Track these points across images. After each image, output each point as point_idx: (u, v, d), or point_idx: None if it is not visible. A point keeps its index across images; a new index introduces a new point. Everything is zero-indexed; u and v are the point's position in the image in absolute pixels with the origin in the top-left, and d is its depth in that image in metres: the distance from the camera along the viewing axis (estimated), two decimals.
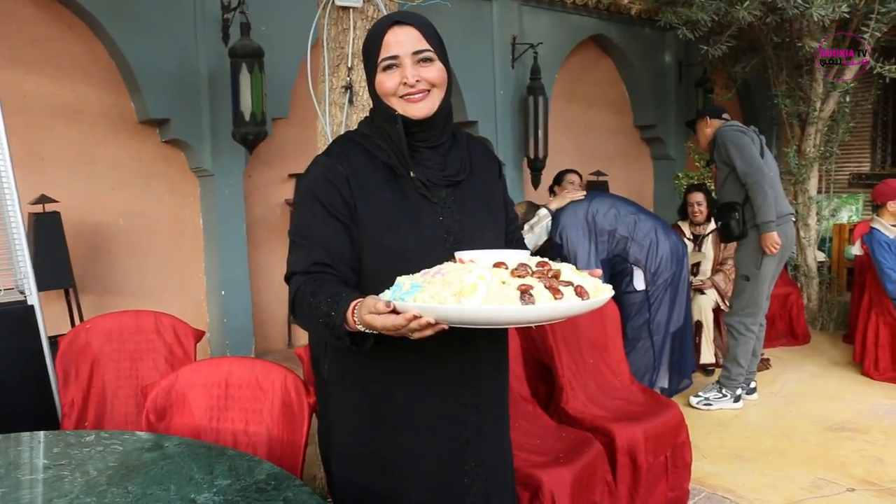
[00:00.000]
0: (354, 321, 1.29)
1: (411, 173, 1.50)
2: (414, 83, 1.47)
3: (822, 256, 6.52)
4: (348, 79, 2.80)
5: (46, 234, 4.13)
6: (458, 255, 1.32)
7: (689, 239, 5.13)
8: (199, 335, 2.78)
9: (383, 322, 1.23)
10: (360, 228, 1.49)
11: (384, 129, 1.53)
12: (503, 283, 1.18)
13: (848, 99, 6.13)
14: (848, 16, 5.17)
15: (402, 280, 1.31)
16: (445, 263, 1.31)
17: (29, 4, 4.45)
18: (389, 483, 1.56)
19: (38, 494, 1.55)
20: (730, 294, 5.05)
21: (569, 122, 7.41)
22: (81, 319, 4.25)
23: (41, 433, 1.96)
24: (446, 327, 1.21)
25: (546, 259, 1.31)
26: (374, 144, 1.54)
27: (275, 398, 2.11)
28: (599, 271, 1.34)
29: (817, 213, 6.34)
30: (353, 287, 1.46)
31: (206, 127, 4.90)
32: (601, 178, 7.37)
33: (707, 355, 4.90)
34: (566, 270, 1.26)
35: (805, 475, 3.34)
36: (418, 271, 1.35)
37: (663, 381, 4.20)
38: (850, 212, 7.65)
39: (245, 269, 5.19)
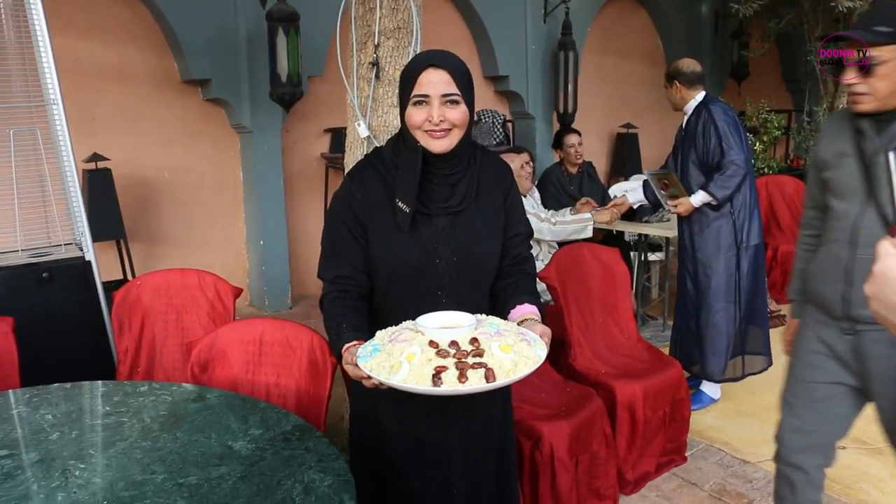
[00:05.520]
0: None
1: (406, 208, 1.65)
2: (438, 122, 1.61)
3: None
4: (375, 55, 2.95)
5: (99, 189, 4.42)
6: (418, 320, 1.49)
7: None
8: (237, 292, 2.99)
9: (352, 373, 1.49)
10: (369, 247, 1.72)
11: (405, 154, 1.68)
12: (429, 360, 1.37)
13: None
14: None
15: (378, 334, 1.53)
16: (406, 326, 1.52)
17: None
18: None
19: (104, 437, 1.81)
20: None
21: (601, 74, 7.41)
22: (132, 267, 4.58)
23: (101, 383, 2.22)
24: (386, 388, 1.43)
25: (482, 333, 1.46)
26: (390, 171, 1.71)
27: (302, 356, 2.34)
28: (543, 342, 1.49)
29: None
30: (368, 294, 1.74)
31: (244, 86, 5.10)
32: (631, 131, 7.41)
33: None
34: (495, 347, 1.40)
35: None
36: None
37: None
38: None
39: (282, 220, 5.45)
